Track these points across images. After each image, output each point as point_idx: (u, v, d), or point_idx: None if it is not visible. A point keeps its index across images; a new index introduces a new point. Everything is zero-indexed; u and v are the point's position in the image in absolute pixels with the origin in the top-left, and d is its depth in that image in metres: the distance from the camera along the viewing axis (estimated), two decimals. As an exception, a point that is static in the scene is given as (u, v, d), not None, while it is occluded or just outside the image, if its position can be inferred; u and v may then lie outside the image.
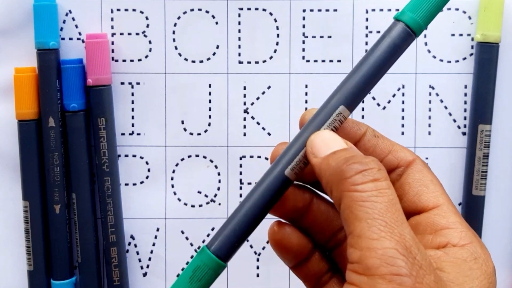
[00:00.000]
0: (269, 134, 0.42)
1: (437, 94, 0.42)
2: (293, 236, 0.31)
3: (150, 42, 0.42)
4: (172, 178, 0.43)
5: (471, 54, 0.42)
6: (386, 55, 0.29)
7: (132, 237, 0.43)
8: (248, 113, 0.42)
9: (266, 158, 0.42)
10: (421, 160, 0.31)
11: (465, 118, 0.42)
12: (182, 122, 0.42)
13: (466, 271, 0.26)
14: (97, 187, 0.41)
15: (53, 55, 0.40)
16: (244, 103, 0.42)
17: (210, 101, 0.42)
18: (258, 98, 0.42)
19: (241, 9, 0.42)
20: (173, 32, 0.42)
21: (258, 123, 0.42)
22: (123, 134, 0.42)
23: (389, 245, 0.24)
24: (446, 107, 0.42)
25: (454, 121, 0.42)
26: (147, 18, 0.42)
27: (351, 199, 0.25)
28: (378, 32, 0.42)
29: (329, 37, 0.42)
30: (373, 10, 0.42)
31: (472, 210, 0.41)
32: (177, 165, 0.43)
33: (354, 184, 0.25)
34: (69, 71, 0.40)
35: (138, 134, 0.42)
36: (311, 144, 0.28)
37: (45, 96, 0.40)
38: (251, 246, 0.42)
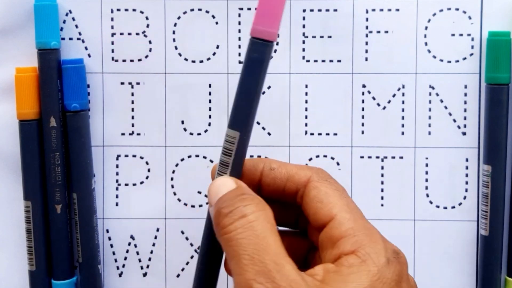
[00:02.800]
0: (269, 134, 0.44)
1: (437, 94, 0.43)
2: None
3: (150, 42, 0.43)
4: (172, 178, 0.44)
5: (471, 54, 0.43)
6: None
7: (132, 237, 0.44)
8: (248, 113, 0.44)
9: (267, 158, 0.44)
10: (317, 174, 0.33)
11: (465, 118, 0.43)
12: (182, 122, 0.44)
13: (344, 277, 0.28)
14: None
15: (54, 55, 0.41)
16: (244, 103, 0.44)
17: (210, 101, 0.44)
18: (258, 98, 0.44)
19: (241, 9, 0.43)
20: (173, 32, 0.44)
21: (258, 123, 0.44)
22: (123, 134, 0.44)
23: (249, 276, 0.27)
24: (446, 107, 0.43)
25: (454, 121, 0.43)
26: (147, 18, 0.43)
27: (224, 242, 0.28)
28: (378, 32, 0.43)
29: (329, 37, 0.43)
30: (373, 10, 0.43)
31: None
32: (177, 165, 0.44)
33: (223, 227, 0.28)
34: (70, 71, 0.41)
35: (138, 134, 0.44)
36: (208, 193, 0.31)
37: (46, 96, 0.41)
38: (251, 246, 0.44)
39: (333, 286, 0.28)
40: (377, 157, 0.44)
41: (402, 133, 0.43)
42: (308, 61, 0.43)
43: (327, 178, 0.33)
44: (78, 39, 0.43)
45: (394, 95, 0.43)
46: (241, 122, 0.32)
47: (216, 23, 0.43)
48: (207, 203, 0.44)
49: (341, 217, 0.31)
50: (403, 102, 0.43)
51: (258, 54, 0.32)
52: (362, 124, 0.44)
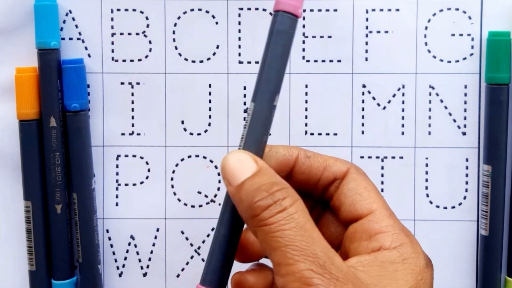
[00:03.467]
0: (269, 134, 0.44)
1: (437, 94, 0.44)
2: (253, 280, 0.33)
3: (150, 42, 0.44)
4: (172, 178, 0.44)
5: (471, 54, 0.43)
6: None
7: (132, 237, 0.44)
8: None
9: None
10: (355, 168, 0.33)
11: (465, 118, 0.44)
12: (182, 122, 0.44)
13: (391, 273, 0.29)
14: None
15: (54, 55, 0.42)
16: (244, 103, 0.44)
17: (210, 101, 0.44)
18: (258, 98, 0.44)
19: (241, 9, 0.44)
20: (173, 32, 0.44)
21: (258, 123, 0.44)
22: (123, 134, 0.44)
23: (304, 267, 0.27)
24: (446, 107, 0.44)
25: (454, 121, 0.44)
26: (147, 18, 0.44)
27: (263, 233, 0.28)
28: (378, 32, 0.44)
29: (329, 37, 0.44)
30: (373, 10, 0.43)
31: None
32: (177, 165, 0.44)
33: (263, 220, 0.28)
34: (70, 71, 0.42)
35: (138, 134, 0.44)
36: (223, 171, 0.30)
37: (46, 96, 0.42)
38: (251, 246, 0.44)
39: (381, 281, 0.28)
40: (377, 157, 0.44)
41: (402, 133, 0.44)
42: (308, 61, 0.44)
43: (364, 174, 0.33)
44: (78, 39, 0.44)
45: (394, 95, 0.44)
46: (262, 95, 0.31)
47: (216, 23, 0.44)
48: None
49: (381, 213, 0.31)
50: (403, 102, 0.44)
51: (284, 27, 0.31)
52: (362, 124, 0.44)
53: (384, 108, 0.44)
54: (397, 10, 0.43)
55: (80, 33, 0.44)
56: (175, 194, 0.44)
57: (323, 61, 0.44)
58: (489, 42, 0.42)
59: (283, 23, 0.31)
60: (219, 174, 0.44)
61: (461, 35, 0.43)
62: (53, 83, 0.42)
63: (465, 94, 0.43)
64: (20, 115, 0.42)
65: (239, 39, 0.44)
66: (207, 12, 0.44)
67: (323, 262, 0.27)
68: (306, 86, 0.44)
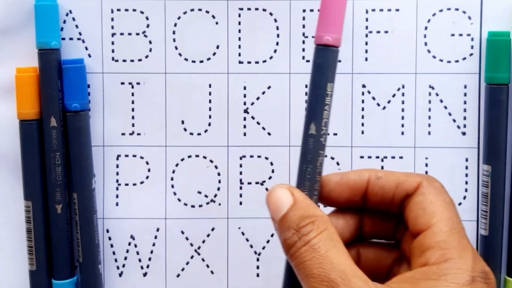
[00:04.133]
0: (269, 134, 0.44)
1: (437, 94, 0.44)
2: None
3: (150, 42, 0.44)
4: (172, 178, 0.44)
5: (471, 54, 0.43)
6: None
7: (132, 237, 0.44)
8: (248, 113, 0.44)
9: (266, 158, 0.44)
10: (427, 181, 0.33)
11: (465, 118, 0.44)
12: (182, 122, 0.44)
13: None
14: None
15: (55, 55, 0.42)
16: (244, 103, 0.44)
17: (210, 101, 0.44)
18: (258, 98, 0.44)
19: (241, 9, 0.44)
20: (173, 32, 0.44)
21: (258, 123, 0.44)
22: (123, 134, 0.44)
23: None
24: (446, 107, 0.44)
25: (454, 121, 0.44)
26: (147, 18, 0.44)
27: (294, 266, 0.31)
28: (378, 32, 0.44)
29: (329, 37, 0.44)
30: (373, 10, 0.43)
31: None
32: (177, 165, 0.44)
33: (292, 255, 0.31)
34: (71, 71, 0.42)
35: (138, 134, 0.44)
36: (268, 208, 0.33)
37: (47, 96, 0.42)
38: (251, 246, 0.44)
39: None
40: (377, 157, 0.44)
41: (402, 133, 0.44)
42: (308, 61, 0.44)
43: (437, 187, 0.33)
44: (79, 39, 0.44)
45: (394, 95, 0.44)
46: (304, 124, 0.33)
47: (216, 23, 0.44)
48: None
49: (437, 228, 0.31)
50: (403, 102, 0.44)
51: (322, 60, 0.32)
52: (362, 124, 0.44)
53: (384, 108, 0.44)
54: (397, 10, 0.43)
55: (80, 33, 0.44)
56: (175, 194, 0.44)
57: (323, 61, 0.44)
58: (488, 42, 0.42)
59: (321, 57, 0.32)
60: (219, 174, 0.44)
61: (461, 35, 0.43)
62: (54, 83, 0.42)
63: (465, 94, 0.44)
64: (20, 115, 0.42)
65: (239, 39, 0.44)
66: (207, 12, 0.44)
67: (335, 285, 0.28)
68: (306, 86, 0.44)
